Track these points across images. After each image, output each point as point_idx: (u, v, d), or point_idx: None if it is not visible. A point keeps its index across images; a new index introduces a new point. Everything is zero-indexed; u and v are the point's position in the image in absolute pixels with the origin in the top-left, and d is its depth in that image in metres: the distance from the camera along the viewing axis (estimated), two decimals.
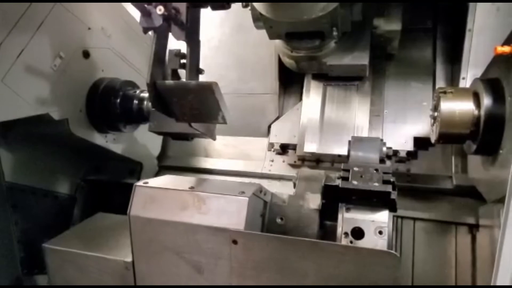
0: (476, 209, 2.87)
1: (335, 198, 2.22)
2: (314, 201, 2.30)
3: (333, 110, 3.44)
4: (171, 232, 2.15)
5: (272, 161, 3.80)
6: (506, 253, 1.48)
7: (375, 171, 2.21)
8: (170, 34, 2.13)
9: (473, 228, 2.92)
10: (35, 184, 3.12)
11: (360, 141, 2.60)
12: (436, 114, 2.45)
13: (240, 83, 3.94)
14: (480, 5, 2.74)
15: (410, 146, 3.27)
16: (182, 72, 2.26)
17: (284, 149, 3.78)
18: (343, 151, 3.06)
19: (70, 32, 2.89)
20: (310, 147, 3.35)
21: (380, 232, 2.06)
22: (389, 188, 2.09)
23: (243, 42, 3.88)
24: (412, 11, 3.43)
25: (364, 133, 3.28)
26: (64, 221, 3.44)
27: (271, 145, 3.82)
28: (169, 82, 2.11)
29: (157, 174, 3.99)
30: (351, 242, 2.08)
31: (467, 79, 2.76)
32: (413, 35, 3.53)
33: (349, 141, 2.60)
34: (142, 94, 3.19)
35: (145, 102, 3.13)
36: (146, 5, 1.98)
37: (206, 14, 2.26)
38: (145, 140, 3.77)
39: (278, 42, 3.23)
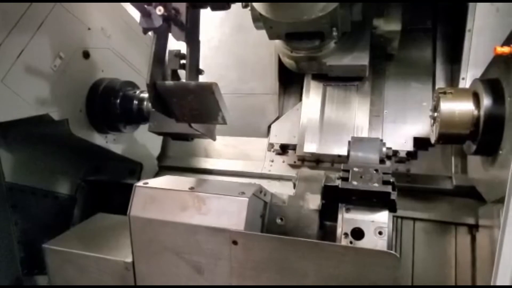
0: (475, 209, 2.87)
1: (335, 199, 2.22)
2: (314, 201, 2.30)
3: (333, 110, 3.44)
4: (171, 233, 2.15)
5: (272, 161, 3.80)
6: (506, 253, 1.49)
7: (375, 172, 2.21)
8: (170, 35, 2.13)
9: (472, 228, 2.93)
10: (35, 184, 3.12)
11: (360, 142, 2.60)
12: (436, 114, 2.45)
13: (240, 83, 3.94)
14: (479, 5, 2.74)
15: (410, 146, 3.28)
16: (182, 73, 2.26)
17: (284, 149, 3.78)
18: (343, 151, 3.06)
19: (70, 33, 2.89)
20: (310, 147, 3.36)
21: (380, 233, 2.06)
22: (389, 188, 2.09)
23: (243, 42, 3.88)
24: (412, 11, 3.44)
25: (364, 133, 3.28)
26: (64, 221, 3.44)
27: (271, 145, 3.82)
28: (169, 82, 2.11)
29: (157, 174, 3.99)
30: (351, 242, 2.08)
31: (466, 79, 2.76)
32: (413, 35, 3.54)
33: (349, 142, 2.60)
34: (142, 95, 3.19)
35: (145, 103, 3.13)
36: (146, 6, 1.98)
37: (206, 14, 2.26)
38: (145, 141, 3.77)
39: (278, 42, 3.24)
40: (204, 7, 2.21)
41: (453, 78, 3.30)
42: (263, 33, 2.89)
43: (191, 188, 2.19)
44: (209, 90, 1.97)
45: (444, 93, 2.38)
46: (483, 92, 2.22)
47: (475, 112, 2.27)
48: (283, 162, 3.78)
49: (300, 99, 3.79)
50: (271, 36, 2.91)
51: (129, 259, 2.33)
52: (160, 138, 3.99)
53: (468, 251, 2.92)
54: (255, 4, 2.62)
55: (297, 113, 3.71)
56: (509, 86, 2.11)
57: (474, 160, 2.64)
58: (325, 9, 2.48)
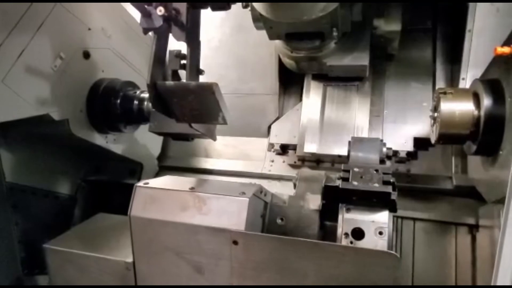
0: (476, 209, 2.88)
1: (335, 199, 2.22)
2: (314, 201, 2.30)
3: (333, 111, 3.45)
4: (171, 233, 2.15)
5: (272, 161, 3.80)
6: (506, 253, 1.49)
7: (375, 172, 2.21)
8: (170, 35, 2.13)
9: (473, 229, 2.93)
10: (35, 185, 3.12)
11: (360, 142, 2.60)
12: (436, 114, 2.45)
13: (240, 83, 3.94)
14: (480, 5, 2.74)
15: (410, 147, 3.28)
16: (182, 73, 2.26)
17: (284, 149, 3.78)
18: (343, 151, 3.06)
19: (70, 33, 2.89)
20: (310, 147, 3.36)
21: (380, 233, 2.06)
22: (389, 188, 2.09)
23: (243, 43, 3.88)
24: (412, 11, 3.44)
25: (364, 134, 3.28)
26: (65, 221, 3.44)
27: (271, 146, 3.82)
28: (170, 82, 2.11)
29: (157, 174, 3.99)
30: (351, 242, 2.08)
31: (467, 79, 2.76)
32: (413, 35, 3.54)
33: (349, 142, 2.60)
34: (142, 95, 3.19)
35: (146, 103, 3.13)
36: (146, 6, 1.98)
37: (206, 15, 2.26)
38: (145, 141, 3.77)
39: (278, 42, 3.24)
40: (205, 7, 2.21)
41: (453, 78, 3.31)
42: (263, 33, 2.89)
43: (192, 188, 2.19)
44: (210, 90, 1.97)
45: (445, 93, 2.38)
46: (484, 92, 2.22)
47: (476, 113, 2.27)
48: (283, 162, 3.78)
49: (300, 99, 3.79)
50: (271, 36, 2.91)
51: (129, 259, 2.33)
52: (160, 138, 3.99)
53: (468, 251, 2.92)
54: (255, 4, 2.62)
55: (297, 113, 3.71)
56: (510, 87, 2.11)
57: (474, 160, 2.64)
58: (325, 9, 2.48)
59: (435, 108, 2.47)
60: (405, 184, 3.22)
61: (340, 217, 2.17)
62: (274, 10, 2.53)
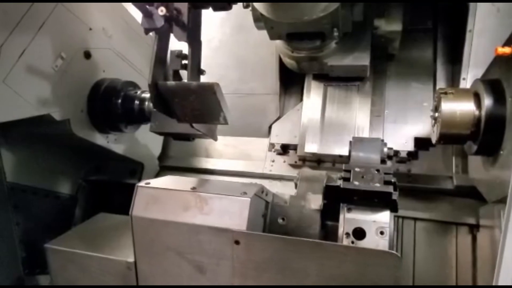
0: (476, 209, 2.88)
1: (336, 199, 2.22)
2: (315, 201, 2.30)
3: (334, 111, 3.45)
4: (173, 233, 2.15)
5: (273, 161, 3.81)
6: (508, 253, 1.49)
7: (376, 172, 2.21)
8: (171, 35, 2.13)
9: (473, 229, 2.93)
10: (36, 184, 3.13)
11: (361, 142, 2.60)
12: (437, 114, 2.45)
13: (240, 83, 3.94)
14: (480, 5, 2.75)
15: (410, 147, 3.28)
16: (183, 73, 2.27)
17: (285, 149, 3.79)
18: (344, 151, 3.06)
19: (71, 33, 2.89)
20: (311, 147, 3.36)
21: (382, 233, 2.07)
22: (390, 188, 2.10)
23: (244, 42, 3.88)
24: (413, 11, 3.44)
25: (365, 134, 3.28)
26: (66, 221, 3.45)
27: (271, 146, 3.82)
28: (171, 83, 2.11)
29: (158, 174, 4.00)
30: (352, 242, 2.08)
31: (467, 79, 2.77)
32: (414, 35, 3.54)
33: (350, 142, 2.61)
34: (143, 95, 3.19)
35: (146, 103, 3.14)
36: (147, 6, 1.98)
37: (207, 15, 2.26)
38: (146, 141, 3.77)
39: (278, 42, 3.24)
40: (206, 7, 2.21)
41: (453, 79, 3.31)
42: (264, 33, 2.89)
43: (193, 188, 2.19)
44: (211, 90, 1.98)
45: (445, 93, 2.38)
46: (484, 92, 2.23)
47: (476, 113, 2.28)
48: (284, 162, 3.78)
49: (301, 99, 3.80)
50: (272, 36, 2.92)
51: (131, 259, 2.34)
52: (161, 138, 3.99)
53: (468, 251, 2.92)
54: (256, 4, 2.62)
55: (298, 113, 3.71)
56: (510, 87, 2.11)
57: (475, 160, 2.64)
58: (326, 10, 2.48)
59: (436, 108, 2.47)
60: (405, 184, 3.23)
61: (341, 217, 2.17)
62: (275, 10, 2.53)
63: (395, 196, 2.08)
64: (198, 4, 2.16)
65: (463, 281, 2.90)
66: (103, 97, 3.10)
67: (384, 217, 2.11)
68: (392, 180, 2.14)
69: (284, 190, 3.08)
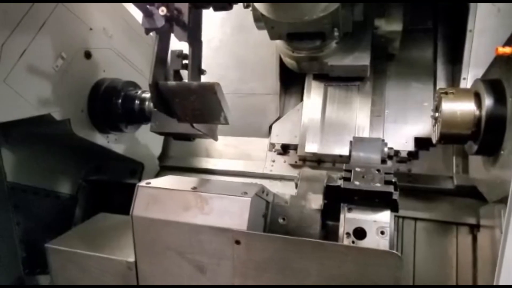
0: (477, 209, 2.88)
1: (337, 199, 2.22)
2: (316, 201, 2.30)
3: (334, 111, 3.45)
4: (173, 233, 2.15)
5: (273, 161, 3.80)
6: (509, 253, 1.49)
7: (376, 172, 2.21)
8: (172, 35, 2.13)
9: (474, 228, 2.93)
10: (36, 184, 3.13)
11: (362, 142, 2.60)
12: (437, 114, 2.46)
13: (241, 83, 3.94)
14: (481, 5, 2.75)
15: (411, 146, 3.28)
16: (184, 73, 2.27)
17: (285, 149, 3.79)
18: (344, 151, 3.07)
19: (72, 33, 2.89)
20: (311, 147, 3.36)
21: (382, 232, 2.07)
22: (391, 188, 2.10)
23: (244, 42, 3.88)
24: (413, 11, 3.44)
25: (365, 134, 3.28)
26: (66, 221, 3.45)
27: (272, 145, 3.82)
28: (171, 82, 2.11)
29: (158, 174, 4.00)
30: (353, 242, 2.08)
31: (467, 79, 2.77)
32: (414, 35, 3.54)
33: (351, 142, 2.61)
34: (143, 95, 3.19)
35: (147, 103, 3.13)
36: (148, 6, 1.99)
37: (207, 15, 2.26)
38: (146, 141, 3.77)
39: (279, 42, 3.24)
40: (206, 7, 2.21)
41: (454, 78, 3.31)
42: (264, 33, 2.89)
43: (194, 188, 2.19)
44: (212, 90, 1.98)
45: (446, 93, 2.38)
46: (485, 92, 2.23)
47: (477, 112, 2.28)
48: (284, 162, 3.78)
49: (301, 99, 3.80)
50: (273, 36, 2.91)
51: (131, 259, 2.33)
52: (161, 138, 3.99)
53: (469, 251, 2.92)
54: (257, 4, 2.62)
55: (298, 113, 3.71)
56: (511, 87, 2.11)
57: (476, 160, 2.64)
58: (326, 10, 2.48)
59: (437, 108, 2.47)
60: (406, 184, 3.22)
61: (341, 216, 2.17)
62: (275, 10, 2.53)
63: (395, 196, 2.09)
64: (198, 4, 2.16)
65: (463, 281, 2.90)
66: (104, 97, 3.10)
67: (384, 217, 2.11)
68: (393, 180, 2.14)
69: (285, 190, 3.08)
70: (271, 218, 2.31)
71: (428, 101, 3.33)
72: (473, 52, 2.77)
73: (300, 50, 3.12)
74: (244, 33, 3.83)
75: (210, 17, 2.70)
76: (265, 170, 3.77)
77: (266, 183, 3.61)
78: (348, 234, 2.11)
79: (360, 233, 2.10)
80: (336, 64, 3.17)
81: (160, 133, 2.90)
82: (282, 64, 3.66)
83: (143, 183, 2.28)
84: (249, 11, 2.84)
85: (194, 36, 2.17)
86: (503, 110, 2.15)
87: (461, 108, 2.32)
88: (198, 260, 2.14)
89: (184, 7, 2.09)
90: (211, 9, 2.23)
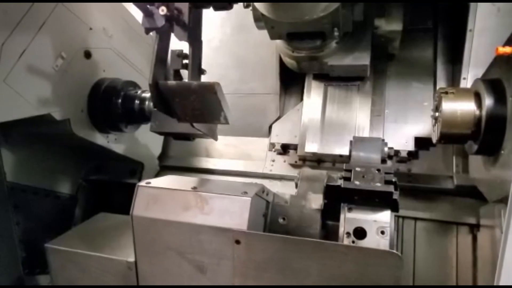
0: (477, 209, 2.88)
1: (337, 198, 2.22)
2: (316, 201, 2.30)
3: (334, 110, 3.45)
4: (174, 232, 2.15)
5: (273, 161, 3.80)
6: (509, 253, 1.49)
7: (377, 171, 2.21)
8: (172, 35, 2.13)
9: (474, 228, 2.93)
10: (36, 184, 3.13)
11: (362, 141, 2.60)
12: (437, 114, 2.45)
13: (241, 83, 3.94)
14: (481, 5, 2.75)
15: (411, 146, 3.28)
16: (184, 73, 2.26)
17: (285, 149, 3.79)
18: (344, 151, 3.07)
19: (71, 32, 2.89)
20: (311, 147, 3.36)
21: (382, 232, 2.07)
22: (391, 188, 2.10)
23: (244, 42, 3.88)
24: (413, 11, 3.44)
25: (365, 133, 3.28)
26: (66, 221, 3.45)
27: (272, 145, 3.82)
28: (171, 82, 2.11)
29: (158, 174, 4.00)
30: (353, 242, 2.08)
31: (468, 79, 2.77)
32: (414, 35, 3.54)
33: (351, 141, 2.61)
34: (143, 94, 3.19)
35: (147, 102, 3.13)
36: (148, 6, 1.98)
37: (207, 14, 2.26)
38: (146, 140, 3.77)
39: (279, 42, 3.24)
40: (207, 7, 2.21)
41: (454, 78, 3.31)
42: (264, 33, 2.89)
43: (194, 188, 2.19)
44: (212, 90, 1.97)
45: (446, 93, 2.38)
46: (485, 92, 2.23)
47: (477, 112, 2.27)
48: (284, 162, 3.78)
49: (301, 99, 3.80)
50: (273, 36, 2.91)
51: (131, 259, 2.33)
52: (161, 137, 3.99)
53: (469, 251, 2.92)
54: (257, 4, 2.61)
55: (298, 113, 3.71)
56: (511, 86, 2.11)
57: (476, 160, 2.64)
58: (326, 9, 2.48)
59: (437, 108, 2.47)
60: (406, 183, 3.22)
61: (342, 216, 2.17)
62: (275, 10, 2.53)
63: (395, 195, 2.08)
64: (198, 4, 2.16)
65: (463, 281, 2.90)
66: (103, 97, 3.10)
67: (384, 216, 2.11)
68: (393, 180, 2.14)
69: (285, 190, 3.08)
70: (271, 218, 2.31)
71: (428, 101, 3.33)
72: (473, 52, 2.77)
73: (300, 50, 3.12)
74: (244, 33, 3.83)
75: (210, 17, 2.70)
76: (265, 170, 3.77)
77: (266, 183, 3.61)
78: (348, 234, 2.11)
79: (360, 233, 2.09)
80: (336, 64, 3.17)
81: (160, 133, 2.90)
82: (282, 64, 3.66)
83: (143, 183, 2.28)
84: (249, 11, 2.84)
85: (194, 36, 2.17)
86: (503, 109, 2.15)
87: (461, 108, 2.32)
88: (198, 260, 2.14)
89: (184, 6, 2.09)
90: (211, 8, 2.23)
